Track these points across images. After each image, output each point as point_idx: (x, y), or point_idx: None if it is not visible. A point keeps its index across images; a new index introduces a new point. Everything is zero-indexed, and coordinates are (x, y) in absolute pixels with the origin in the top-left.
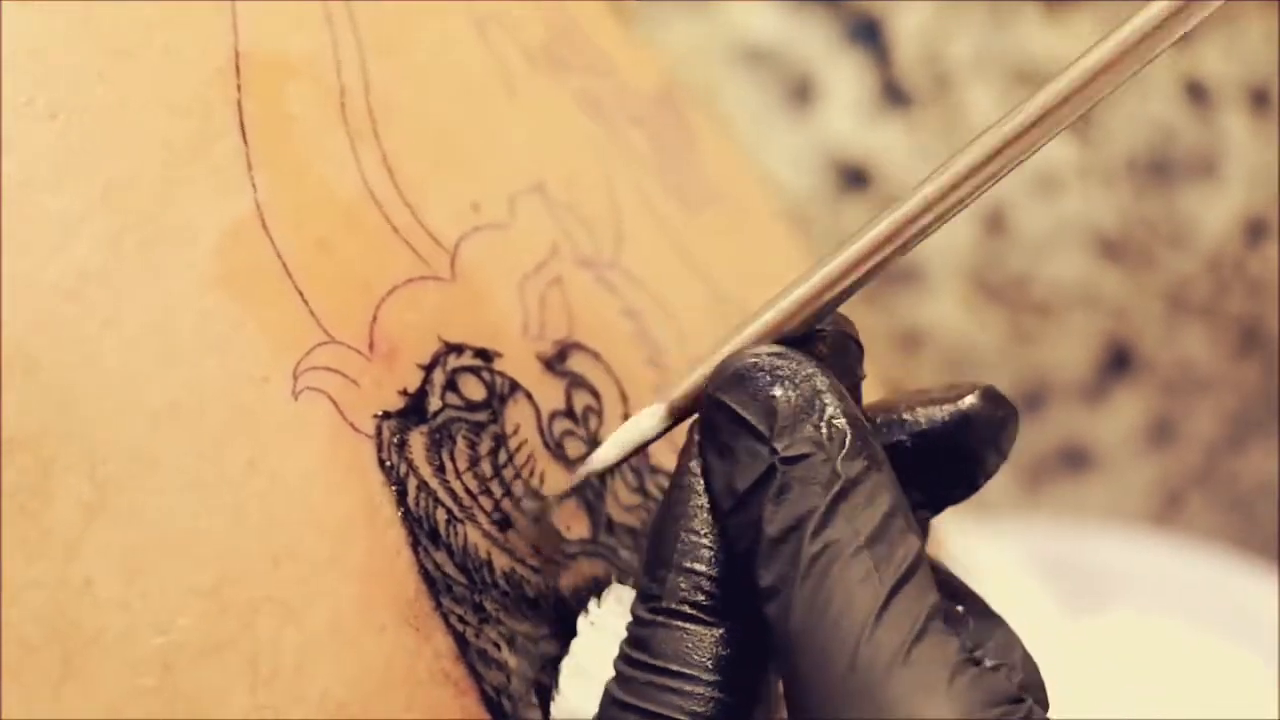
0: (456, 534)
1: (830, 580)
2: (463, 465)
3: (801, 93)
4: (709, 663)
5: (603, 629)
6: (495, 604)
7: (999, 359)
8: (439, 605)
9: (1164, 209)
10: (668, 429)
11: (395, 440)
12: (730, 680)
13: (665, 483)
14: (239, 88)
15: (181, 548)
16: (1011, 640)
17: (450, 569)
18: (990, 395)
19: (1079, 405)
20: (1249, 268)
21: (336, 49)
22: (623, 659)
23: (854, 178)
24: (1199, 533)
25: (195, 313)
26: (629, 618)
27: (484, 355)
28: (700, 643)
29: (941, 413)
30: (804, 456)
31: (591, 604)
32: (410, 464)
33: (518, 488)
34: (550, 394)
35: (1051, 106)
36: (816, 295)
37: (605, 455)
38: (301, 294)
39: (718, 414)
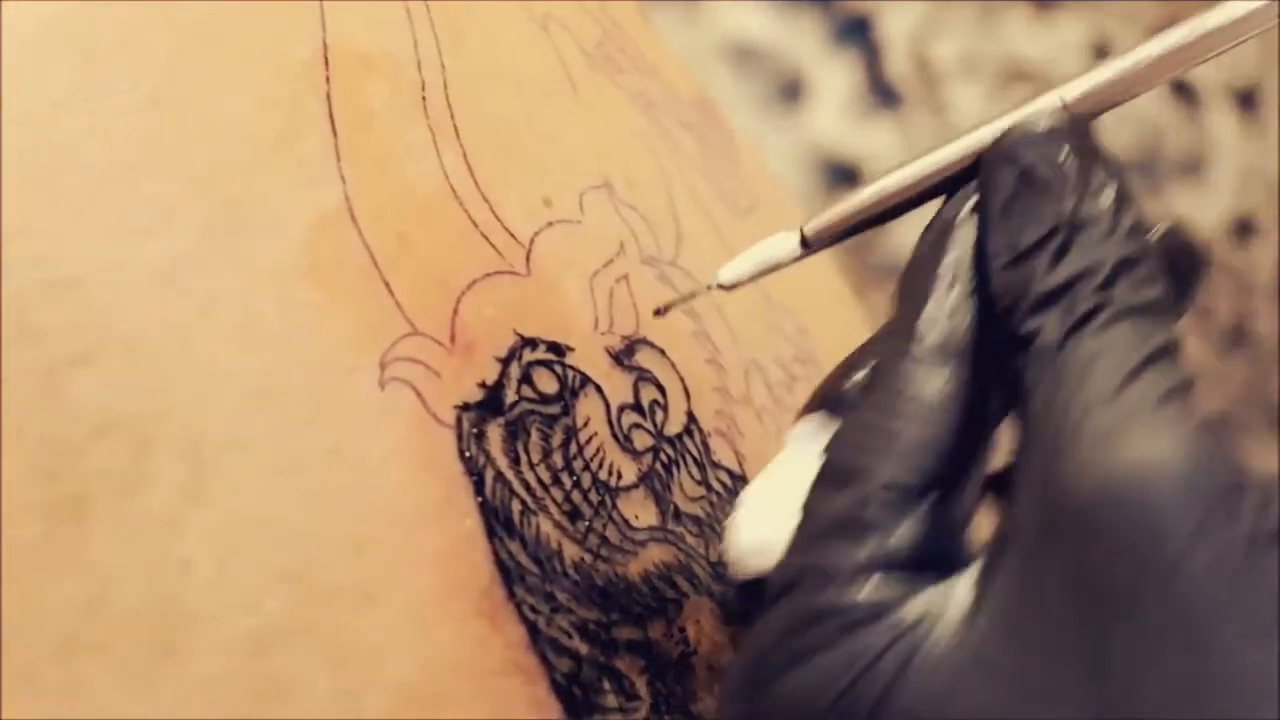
0: (530, 524)
1: (1093, 336)
2: (536, 457)
3: (791, 91)
4: (941, 400)
5: (795, 450)
6: (566, 593)
7: None
8: (512, 595)
9: (1152, 208)
10: (800, 257)
11: (474, 431)
12: (960, 423)
13: (726, 478)
14: (327, 80)
15: (270, 532)
16: None
17: (524, 559)
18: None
19: None
20: (1236, 266)
21: (417, 45)
22: (861, 391)
23: (843, 175)
24: None
25: (284, 301)
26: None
27: (556, 349)
28: (935, 382)
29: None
30: (1092, 221)
31: (789, 433)
32: (488, 455)
33: (585, 480)
34: (619, 388)
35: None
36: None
37: (735, 270)
38: (388, 285)
39: (1005, 170)
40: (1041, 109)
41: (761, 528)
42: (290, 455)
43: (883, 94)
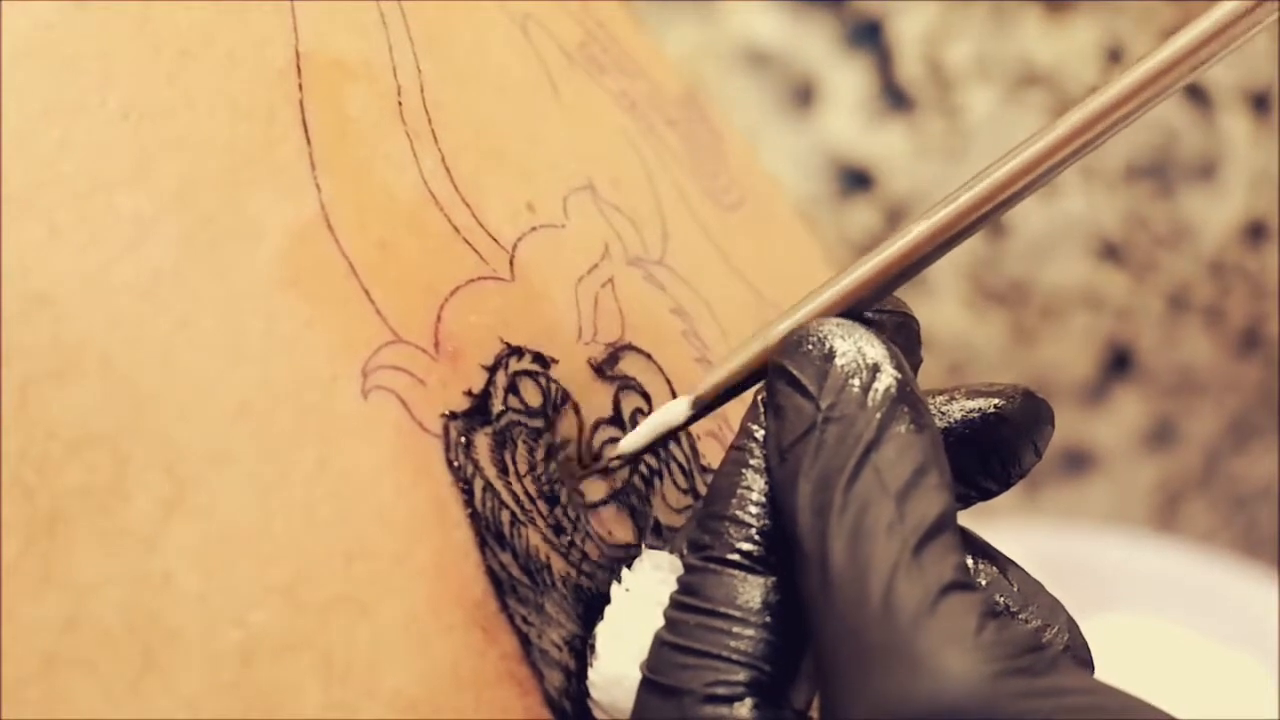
0: (520, 536)
1: (859, 533)
2: (523, 469)
3: (803, 95)
4: (759, 606)
5: (637, 594)
6: (555, 606)
7: (1000, 361)
8: (505, 606)
9: (1165, 211)
10: (693, 419)
11: (462, 441)
12: (780, 624)
13: None
14: (300, 88)
15: (256, 544)
16: (1056, 605)
17: (515, 570)
18: (1030, 395)
19: (1080, 407)
20: (1249, 270)
21: (392, 50)
22: (674, 606)
23: (856, 180)
24: (1198, 535)
25: (264, 312)
26: (663, 582)
27: (542, 360)
28: (750, 588)
29: (985, 404)
30: (844, 413)
31: (624, 571)
32: (476, 465)
33: (564, 494)
34: (599, 401)
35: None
36: (872, 279)
37: (633, 440)
38: (368, 294)
39: (777, 377)
40: (811, 312)
41: (611, 686)
42: (275, 467)
43: (895, 97)
